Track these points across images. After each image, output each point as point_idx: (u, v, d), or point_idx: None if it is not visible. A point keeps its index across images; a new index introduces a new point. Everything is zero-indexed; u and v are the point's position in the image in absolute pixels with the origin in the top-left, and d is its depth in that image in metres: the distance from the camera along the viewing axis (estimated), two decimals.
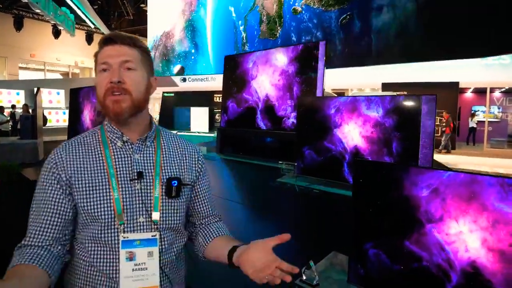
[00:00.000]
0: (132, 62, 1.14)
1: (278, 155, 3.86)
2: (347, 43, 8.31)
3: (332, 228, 2.44)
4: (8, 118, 12.25)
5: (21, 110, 12.44)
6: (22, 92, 14.48)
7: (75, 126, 5.04)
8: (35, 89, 8.53)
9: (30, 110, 11.37)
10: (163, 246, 1.17)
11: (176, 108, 10.38)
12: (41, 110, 9.12)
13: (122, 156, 1.18)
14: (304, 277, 1.53)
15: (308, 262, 1.57)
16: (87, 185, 1.12)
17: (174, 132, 1.44)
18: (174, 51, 14.28)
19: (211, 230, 1.32)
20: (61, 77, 21.64)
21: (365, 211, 1.42)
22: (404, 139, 2.38)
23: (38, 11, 11.80)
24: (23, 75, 19.60)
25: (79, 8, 14.54)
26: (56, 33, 17.42)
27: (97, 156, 1.17)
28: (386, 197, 1.36)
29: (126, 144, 1.19)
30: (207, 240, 1.29)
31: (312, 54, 3.44)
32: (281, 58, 3.84)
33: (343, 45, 8.31)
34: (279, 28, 9.42)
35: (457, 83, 10.11)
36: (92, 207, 1.10)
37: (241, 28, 10.26)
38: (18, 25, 17.19)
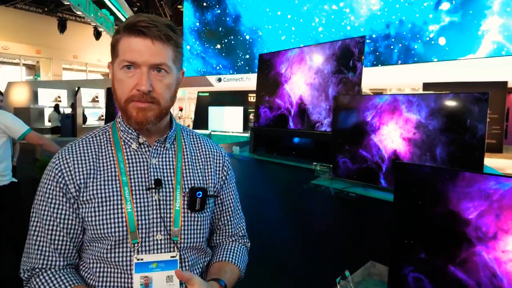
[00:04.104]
0: (166, 65, 0.93)
1: (313, 156, 3.74)
2: None
3: (369, 235, 2.30)
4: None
5: (67, 109, 12.98)
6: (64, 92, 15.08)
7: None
8: (76, 89, 8.84)
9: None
10: (184, 269, 0.99)
11: (211, 107, 10.47)
12: (81, 109, 9.47)
13: (137, 160, 1.01)
14: None
15: (344, 272, 1.49)
16: (95, 196, 0.95)
17: (197, 131, 1.26)
18: None
19: (219, 252, 1.13)
20: (102, 77, 22.38)
21: (405, 227, 1.26)
22: (450, 143, 2.19)
23: (79, 13, 12.22)
24: (67, 76, 20.42)
25: (118, 10, 14.96)
26: (97, 35, 18.01)
27: (107, 160, 1.00)
28: (429, 210, 1.19)
29: (142, 146, 1.02)
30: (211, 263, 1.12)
31: (351, 51, 3.27)
32: (316, 56, 3.70)
33: None
34: None
35: (505, 83, 9.53)
36: (100, 222, 0.93)
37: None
38: (62, 28, 17.92)
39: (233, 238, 1.19)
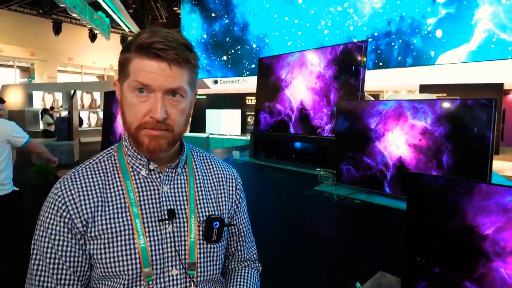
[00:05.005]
0: (182, 89, 0.85)
1: (313, 161, 3.71)
2: None
3: (377, 244, 2.27)
4: (53, 121, 12.71)
5: (62, 112, 12.86)
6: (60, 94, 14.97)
7: (109, 128, 5.08)
8: (72, 92, 8.77)
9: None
10: None
11: (208, 110, 10.44)
12: (77, 112, 9.40)
13: (148, 188, 0.92)
14: None
15: (355, 284, 1.45)
16: (104, 231, 0.86)
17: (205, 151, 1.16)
18: None
19: (234, 280, 1.07)
20: (97, 79, 22.26)
21: (418, 240, 1.22)
22: (457, 150, 2.17)
23: (75, 15, 12.13)
24: (62, 78, 20.29)
25: (114, 12, 14.88)
26: (93, 37, 17.93)
27: (115, 189, 0.91)
28: (443, 223, 1.15)
29: (152, 173, 0.93)
30: None
31: (352, 56, 3.25)
32: (317, 61, 3.68)
33: None
34: None
35: (501, 85, 9.58)
36: (111, 260, 0.85)
37: None
38: (57, 30, 17.83)
39: (246, 263, 1.13)
